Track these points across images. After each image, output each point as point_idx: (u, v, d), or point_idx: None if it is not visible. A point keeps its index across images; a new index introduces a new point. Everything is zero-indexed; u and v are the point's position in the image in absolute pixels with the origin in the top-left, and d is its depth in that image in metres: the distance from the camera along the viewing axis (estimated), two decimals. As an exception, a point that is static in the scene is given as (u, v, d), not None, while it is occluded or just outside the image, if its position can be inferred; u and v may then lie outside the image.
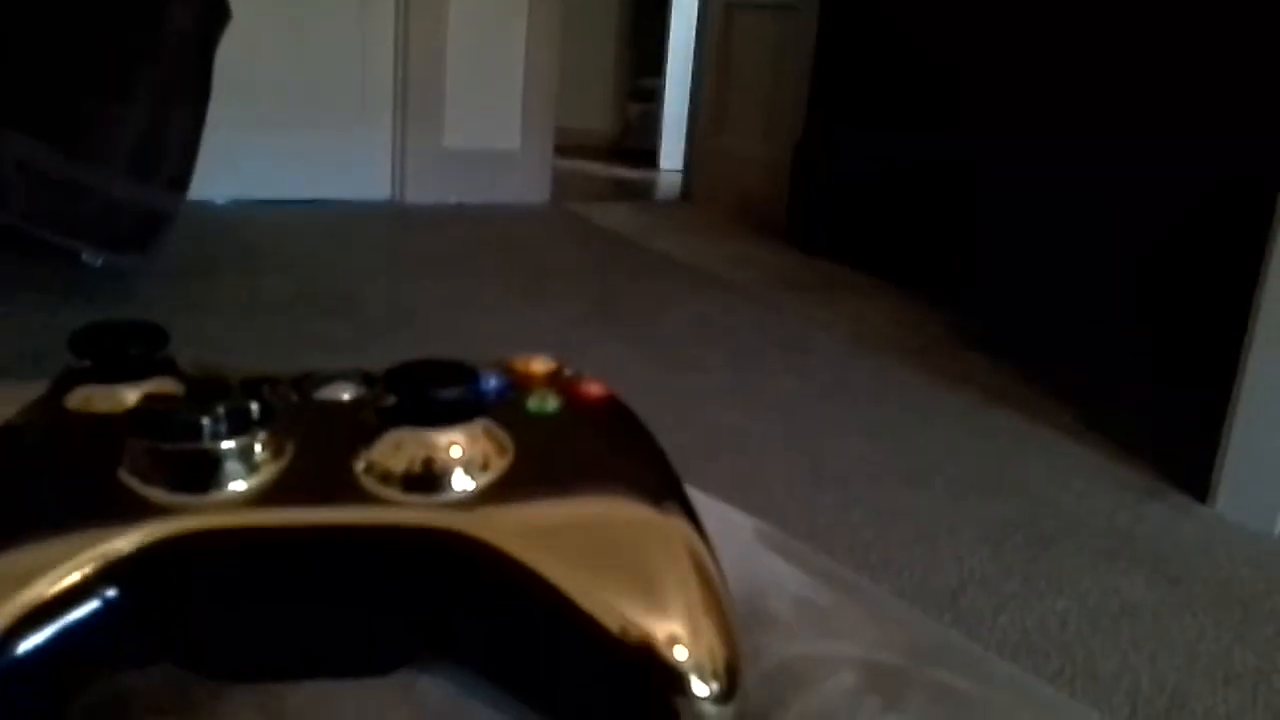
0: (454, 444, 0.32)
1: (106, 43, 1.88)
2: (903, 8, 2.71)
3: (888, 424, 1.79)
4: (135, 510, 0.32)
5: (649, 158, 4.68)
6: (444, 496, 0.32)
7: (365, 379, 0.37)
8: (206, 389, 0.34)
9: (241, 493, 0.33)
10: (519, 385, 0.38)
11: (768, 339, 2.22)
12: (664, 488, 0.35)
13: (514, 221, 3.11)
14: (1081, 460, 1.71)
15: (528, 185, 3.31)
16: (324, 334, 1.96)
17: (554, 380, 0.38)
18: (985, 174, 2.51)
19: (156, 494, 0.32)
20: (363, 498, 0.32)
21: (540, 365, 0.39)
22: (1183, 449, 1.70)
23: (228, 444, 0.33)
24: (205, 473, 0.33)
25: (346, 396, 0.36)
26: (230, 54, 2.14)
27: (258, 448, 0.33)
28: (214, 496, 0.33)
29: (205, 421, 0.32)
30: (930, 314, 2.47)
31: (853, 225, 2.87)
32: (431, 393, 0.33)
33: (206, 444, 0.33)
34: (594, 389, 0.38)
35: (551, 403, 0.36)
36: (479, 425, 0.33)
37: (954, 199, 2.59)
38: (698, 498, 0.38)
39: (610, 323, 2.22)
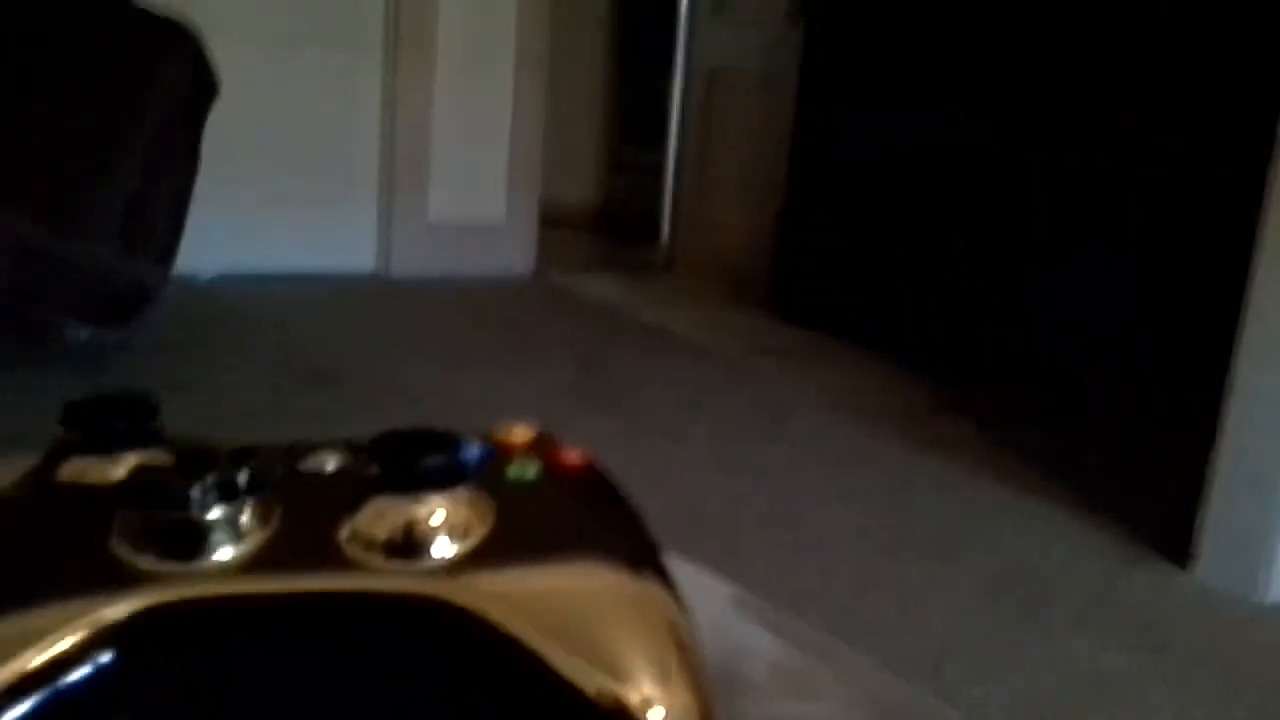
0: (436, 511, 0.33)
1: (94, 117, 1.90)
2: (880, 74, 2.77)
3: (868, 491, 1.79)
4: (126, 578, 0.33)
5: (634, 229, 4.71)
6: (425, 563, 0.33)
7: (350, 449, 0.38)
8: (195, 459, 0.35)
9: (229, 561, 0.34)
10: (500, 453, 0.39)
11: (749, 406, 2.23)
12: (642, 554, 0.36)
13: (499, 293, 3.13)
14: (1063, 527, 1.72)
15: (513, 257, 3.34)
16: (310, 407, 1.96)
17: (535, 448, 0.40)
18: (964, 239, 2.55)
19: (147, 562, 0.33)
20: (346, 565, 0.33)
21: (521, 434, 0.40)
22: (1164, 515, 1.71)
23: (215, 513, 0.34)
24: (194, 541, 0.34)
25: (331, 466, 0.38)
26: (217, 128, 2.17)
27: (245, 517, 0.34)
28: (202, 564, 0.33)
29: (194, 491, 0.34)
30: (911, 381, 2.49)
31: (834, 293, 2.90)
32: (414, 461, 0.34)
33: (195, 513, 0.34)
34: (573, 456, 0.39)
35: (531, 470, 0.38)
36: (461, 492, 0.34)
37: (933, 265, 2.63)
38: (677, 564, 0.39)
39: (593, 393, 2.23)
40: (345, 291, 2.99)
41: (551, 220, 3.58)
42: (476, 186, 3.28)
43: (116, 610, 0.32)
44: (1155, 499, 1.82)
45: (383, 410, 1.97)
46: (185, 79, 1.97)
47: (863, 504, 1.73)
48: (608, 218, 4.97)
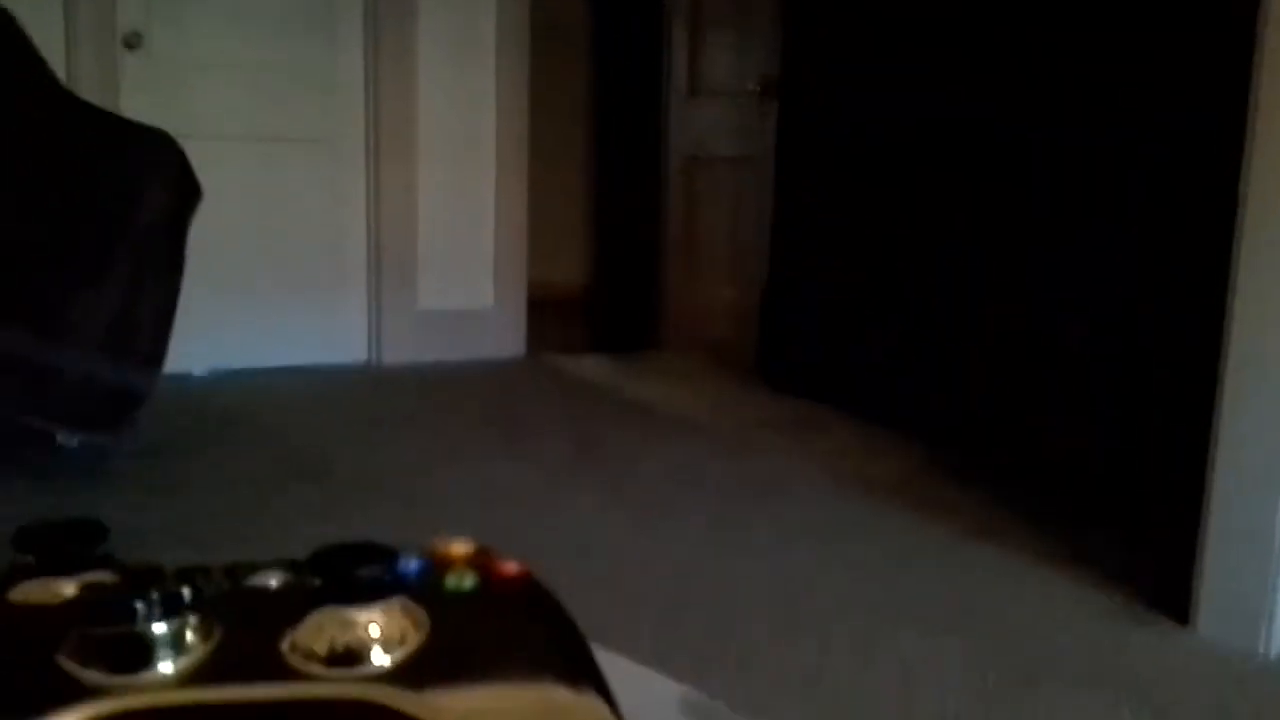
0: (372, 621, 0.34)
1: (79, 227, 1.93)
2: (853, 148, 2.81)
3: (868, 562, 1.79)
4: (74, 692, 0.34)
5: (622, 309, 4.73)
6: (362, 670, 0.34)
7: (292, 565, 0.39)
8: (141, 578, 0.36)
9: (173, 672, 0.34)
10: (439, 566, 0.40)
11: (745, 482, 2.23)
12: (576, 666, 0.36)
13: (491, 377, 3.15)
14: (1064, 589, 1.71)
15: (503, 341, 3.37)
16: (296, 503, 1.96)
17: (473, 560, 0.40)
18: (952, 302, 2.56)
19: (94, 676, 0.34)
20: (288, 674, 0.34)
21: (460, 547, 0.41)
22: (1164, 572, 1.71)
23: (160, 627, 0.35)
24: (140, 654, 0.35)
25: (274, 582, 0.39)
26: (205, 226, 2.19)
27: (189, 631, 0.35)
28: (148, 676, 0.34)
29: (139, 606, 0.34)
30: (904, 447, 2.49)
31: (822, 362, 2.91)
32: (351, 574, 0.35)
33: (140, 627, 0.35)
34: (510, 568, 0.40)
35: (468, 581, 0.38)
36: (396, 603, 0.35)
37: (920, 329, 2.64)
38: (625, 667, 0.39)
39: (588, 472, 2.23)
40: (338, 383, 3.00)
41: (540, 303, 3.61)
42: (464, 273, 3.31)
43: (64, 725, 0.32)
44: (1153, 554, 1.81)
45: (369, 503, 1.97)
46: (168, 188, 2.00)
47: (862, 576, 1.72)
48: (595, 299, 5.01)
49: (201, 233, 2.16)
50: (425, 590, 0.37)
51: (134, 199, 1.93)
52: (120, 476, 2.01)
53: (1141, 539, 1.94)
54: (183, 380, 2.70)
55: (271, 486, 2.05)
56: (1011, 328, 2.42)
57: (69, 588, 0.38)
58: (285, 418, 2.59)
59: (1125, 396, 2.21)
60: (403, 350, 3.21)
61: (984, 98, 2.44)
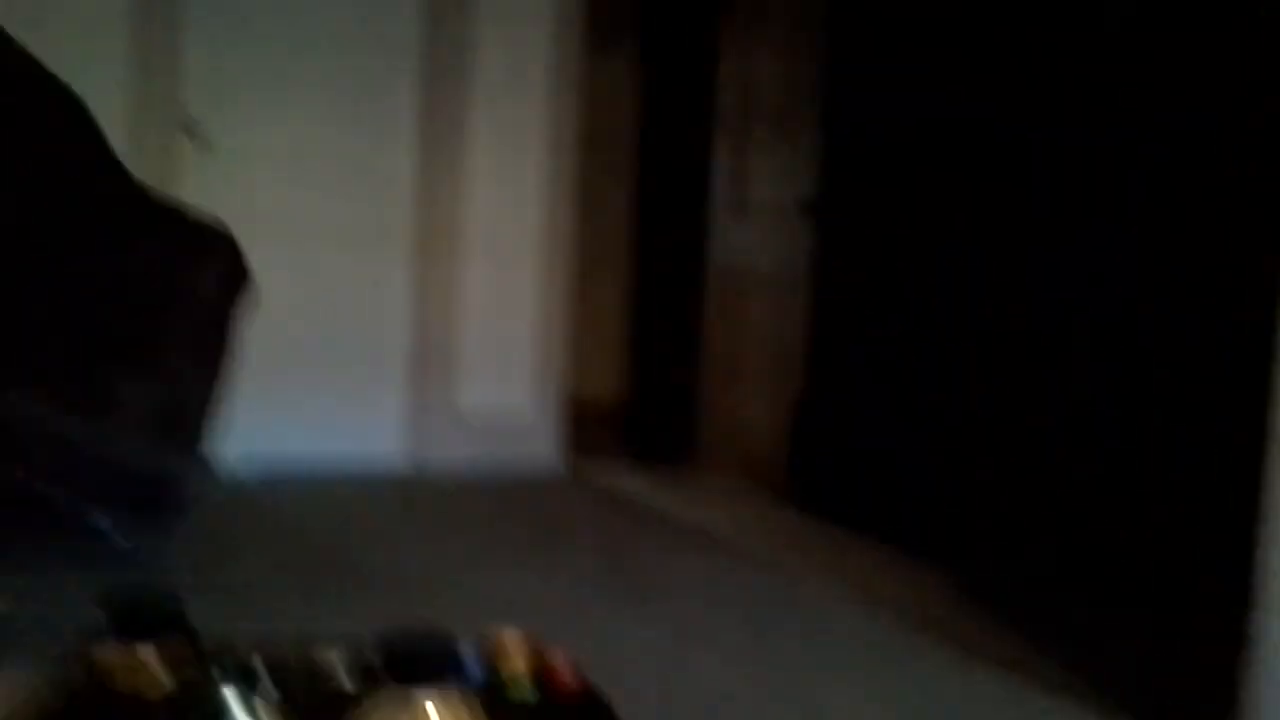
0: (429, 702, 0.37)
1: (132, 313, 1.98)
2: (892, 281, 2.85)
3: (900, 693, 1.78)
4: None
5: (659, 423, 4.73)
6: (420, 751, 0.36)
7: (356, 647, 0.41)
8: (216, 650, 0.39)
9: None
10: (493, 654, 0.42)
11: (777, 604, 2.22)
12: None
13: (526, 486, 3.15)
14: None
15: (540, 449, 3.37)
16: (332, 604, 1.96)
17: (531, 665, 0.42)
18: (990, 430, 2.56)
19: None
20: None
21: (511, 636, 0.43)
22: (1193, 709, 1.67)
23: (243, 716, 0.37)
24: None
25: (339, 663, 0.41)
26: (251, 325, 2.23)
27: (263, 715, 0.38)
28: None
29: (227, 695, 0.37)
30: (933, 572, 2.45)
31: (855, 487, 2.90)
32: (411, 657, 0.37)
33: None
34: (570, 678, 0.42)
35: (530, 693, 0.40)
36: (454, 689, 0.37)
37: (953, 454, 2.63)
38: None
39: (619, 590, 2.22)
40: (375, 485, 3.02)
41: (576, 412, 3.63)
42: (504, 379, 3.34)
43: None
44: (1187, 695, 1.77)
45: (408, 606, 1.97)
46: (221, 277, 2.05)
47: (894, 706, 1.71)
48: (631, 410, 5.02)
49: (246, 331, 2.20)
50: (488, 694, 0.39)
51: (186, 285, 1.98)
52: (161, 568, 2.02)
53: (1166, 664, 1.90)
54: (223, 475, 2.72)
55: (316, 585, 2.05)
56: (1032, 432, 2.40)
57: (147, 651, 0.40)
58: (327, 517, 2.61)
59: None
60: (440, 454, 3.21)
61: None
